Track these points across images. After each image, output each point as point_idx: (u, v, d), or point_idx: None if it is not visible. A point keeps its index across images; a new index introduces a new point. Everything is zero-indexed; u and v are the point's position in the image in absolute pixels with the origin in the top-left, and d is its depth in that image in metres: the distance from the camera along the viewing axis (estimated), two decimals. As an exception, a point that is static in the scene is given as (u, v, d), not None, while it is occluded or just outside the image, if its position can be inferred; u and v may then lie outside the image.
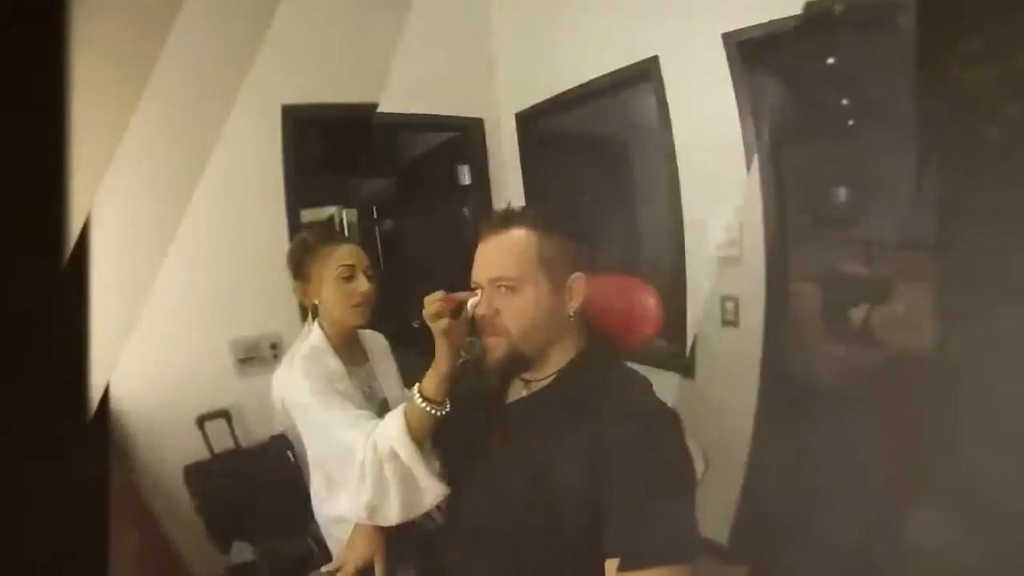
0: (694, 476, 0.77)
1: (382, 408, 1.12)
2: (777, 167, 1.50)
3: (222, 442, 1.49)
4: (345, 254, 1.09)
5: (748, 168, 1.47)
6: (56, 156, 0.46)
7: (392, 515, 0.88)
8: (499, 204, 2.11)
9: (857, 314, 2.07)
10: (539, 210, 0.88)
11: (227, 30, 1.32)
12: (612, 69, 1.74)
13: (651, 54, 1.64)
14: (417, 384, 0.88)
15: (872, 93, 1.38)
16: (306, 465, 1.17)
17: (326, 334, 1.10)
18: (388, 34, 1.50)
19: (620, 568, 0.68)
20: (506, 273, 0.82)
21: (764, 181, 1.50)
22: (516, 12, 2.08)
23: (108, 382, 0.71)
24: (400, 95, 1.76)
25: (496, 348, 0.85)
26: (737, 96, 1.46)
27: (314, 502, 1.16)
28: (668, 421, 0.78)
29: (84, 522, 0.51)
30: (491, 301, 0.83)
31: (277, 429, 1.49)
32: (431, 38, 1.65)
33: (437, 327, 0.83)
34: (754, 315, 1.61)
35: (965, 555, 1.06)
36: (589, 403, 0.80)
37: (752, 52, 1.43)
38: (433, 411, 0.85)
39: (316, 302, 1.11)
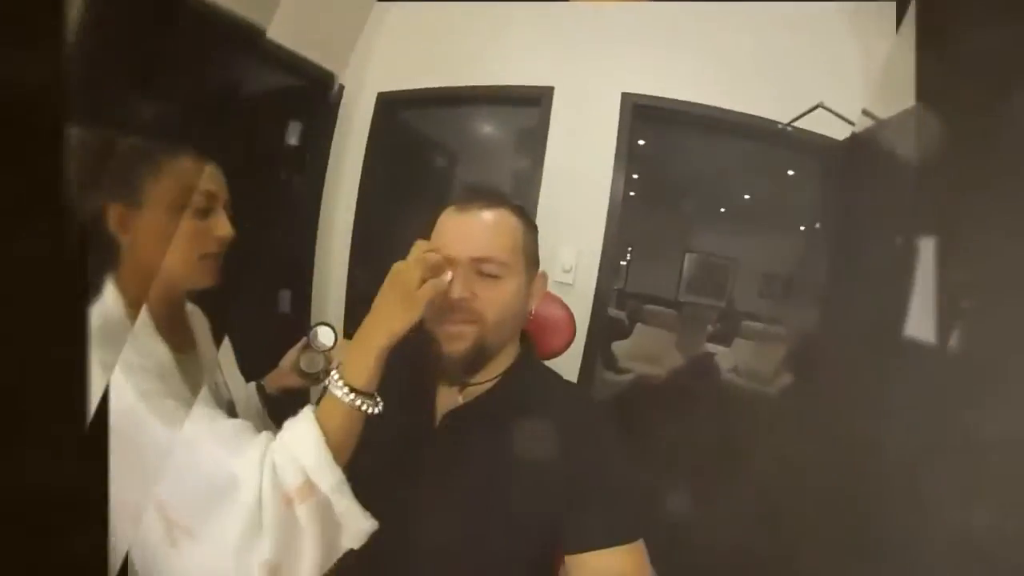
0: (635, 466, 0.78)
1: (230, 414, 0.77)
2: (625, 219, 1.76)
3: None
4: (204, 175, 0.72)
5: (606, 214, 1.69)
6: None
7: (303, 574, 0.61)
8: (330, 180, 1.90)
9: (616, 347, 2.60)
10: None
11: None
12: (503, 83, 1.76)
13: (548, 84, 1.72)
14: (334, 369, 0.64)
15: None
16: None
17: (133, 301, 0.67)
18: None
19: (571, 552, 0.69)
20: (496, 255, 0.73)
21: (609, 226, 1.74)
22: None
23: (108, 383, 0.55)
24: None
25: (464, 338, 0.73)
26: (617, 149, 1.65)
27: (141, 558, 0.65)
28: (608, 419, 0.80)
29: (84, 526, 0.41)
30: (468, 282, 0.72)
31: None
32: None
33: (427, 288, 0.65)
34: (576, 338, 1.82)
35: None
36: (535, 408, 0.77)
37: (642, 118, 1.66)
38: (366, 408, 0.63)
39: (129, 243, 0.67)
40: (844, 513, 0.98)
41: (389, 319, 0.64)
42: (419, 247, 0.69)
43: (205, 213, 0.71)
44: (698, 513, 1.63)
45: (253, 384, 0.98)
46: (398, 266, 0.67)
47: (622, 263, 2.91)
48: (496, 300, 0.73)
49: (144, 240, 0.68)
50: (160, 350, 0.69)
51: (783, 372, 2.31)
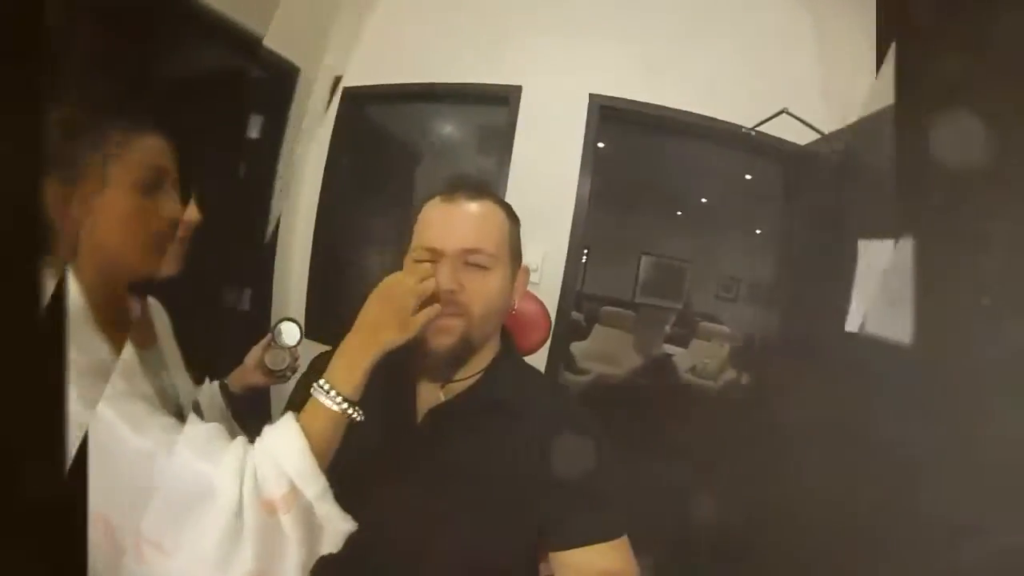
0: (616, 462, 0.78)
1: (196, 414, 0.73)
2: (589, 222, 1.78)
3: None
4: (156, 150, 0.64)
5: (572, 214, 1.71)
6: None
7: None
8: (286, 178, 1.84)
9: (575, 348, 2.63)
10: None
11: None
12: (471, 81, 1.74)
13: (516, 83, 1.72)
14: (323, 378, 0.63)
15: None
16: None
17: (89, 288, 0.61)
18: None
19: (556, 549, 0.69)
20: (484, 247, 0.72)
21: (575, 227, 1.77)
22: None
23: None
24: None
25: (451, 332, 0.72)
26: (584, 150, 1.67)
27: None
28: (591, 416, 0.80)
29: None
30: (456, 274, 0.71)
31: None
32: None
33: (423, 316, 0.66)
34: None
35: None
36: (518, 405, 0.77)
37: (609, 120, 1.68)
38: (353, 414, 0.62)
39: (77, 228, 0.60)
40: (827, 507, 0.99)
41: (380, 334, 0.64)
42: (417, 272, 0.69)
43: (156, 190, 0.65)
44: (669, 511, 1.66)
45: (216, 383, 0.94)
46: (392, 281, 0.67)
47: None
48: (482, 292, 0.73)
49: (103, 223, 0.62)
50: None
51: (740, 373, 2.39)
